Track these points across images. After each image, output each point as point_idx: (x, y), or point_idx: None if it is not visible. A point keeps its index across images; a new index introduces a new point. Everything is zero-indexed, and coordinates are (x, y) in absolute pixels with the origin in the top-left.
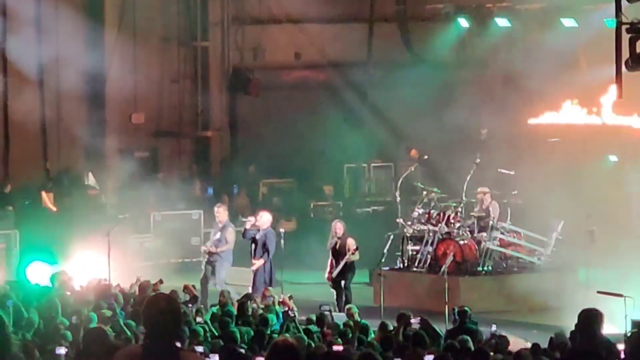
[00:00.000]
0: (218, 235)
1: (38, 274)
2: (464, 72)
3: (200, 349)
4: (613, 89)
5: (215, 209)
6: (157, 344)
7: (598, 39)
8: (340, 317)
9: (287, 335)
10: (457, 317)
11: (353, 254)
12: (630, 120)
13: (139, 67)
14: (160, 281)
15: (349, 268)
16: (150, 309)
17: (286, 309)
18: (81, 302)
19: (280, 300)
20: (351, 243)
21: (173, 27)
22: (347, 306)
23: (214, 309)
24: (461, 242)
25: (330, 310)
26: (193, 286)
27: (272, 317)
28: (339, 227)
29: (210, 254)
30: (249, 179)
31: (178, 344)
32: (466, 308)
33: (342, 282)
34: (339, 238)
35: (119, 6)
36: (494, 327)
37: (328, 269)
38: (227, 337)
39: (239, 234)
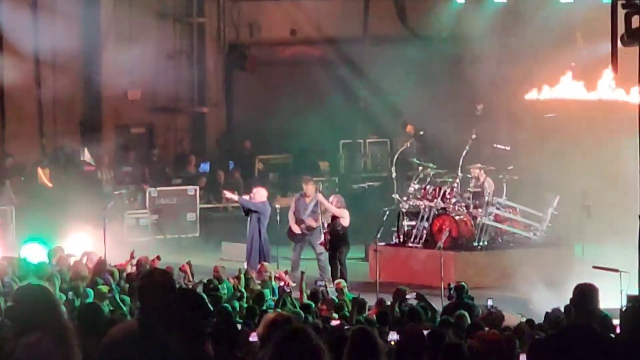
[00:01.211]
0: (311, 209)
1: (34, 250)
2: (460, 47)
3: None
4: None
5: (304, 185)
6: (152, 318)
7: (594, 15)
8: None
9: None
10: (453, 292)
11: (338, 207)
12: (626, 96)
13: (135, 44)
14: (158, 257)
15: (342, 242)
16: (145, 283)
17: (282, 284)
18: (77, 278)
19: (277, 275)
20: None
21: (169, 3)
22: (337, 281)
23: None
24: (457, 218)
25: (325, 286)
26: (188, 263)
27: (267, 292)
28: (331, 199)
29: (308, 228)
30: (245, 155)
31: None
32: (463, 283)
33: (335, 257)
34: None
35: None
36: (489, 302)
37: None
38: (221, 313)
39: None
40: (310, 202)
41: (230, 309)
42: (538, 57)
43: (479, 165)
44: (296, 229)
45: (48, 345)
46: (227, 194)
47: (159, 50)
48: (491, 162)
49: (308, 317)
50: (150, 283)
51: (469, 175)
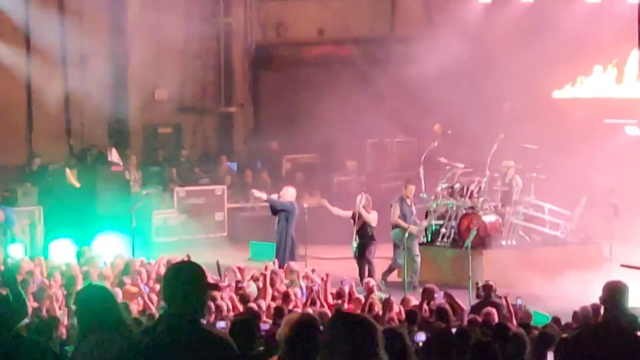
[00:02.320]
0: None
1: (62, 250)
2: (486, 46)
3: (222, 324)
4: (635, 62)
5: (407, 187)
6: (178, 318)
7: (620, 15)
8: (362, 292)
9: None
10: (481, 291)
11: (368, 212)
12: None
13: (162, 44)
14: (188, 257)
15: (370, 241)
16: (173, 276)
17: (310, 283)
18: (105, 278)
19: (305, 274)
20: (370, 214)
21: (196, 4)
22: (366, 280)
23: None
24: (485, 217)
25: (351, 285)
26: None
27: (296, 292)
28: (360, 198)
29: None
30: (272, 155)
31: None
32: (491, 282)
33: (364, 256)
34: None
35: None
36: (518, 301)
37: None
38: (250, 313)
39: None
40: (412, 204)
41: (256, 308)
42: (564, 56)
43: (511, 162)
44: (415, 230)
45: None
46: (256, 193)
47: (186, 50)
48: (519, 161)
49: None
50: (176, 276)
51: (496, 174)
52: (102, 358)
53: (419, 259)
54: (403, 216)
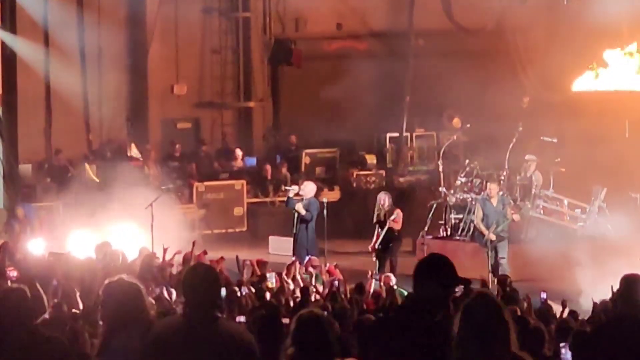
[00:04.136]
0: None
1: (81, 246)
2: (506, 39)
3: (242, 318)
4: None
5: (489, 185)
6: (196, 313)
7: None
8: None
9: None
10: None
11: (395, 222)
12: None
13: (181, 39)
14: (205, 252)
15: (394, 238)
16: (189, 278)
17: (333, 277)
18: (124, 274)
19: (327, 269)
20: (395, 213)
21: None
22: (385, 274)
23: None
24: None
25: (380, 280)
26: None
27: (318, 287)
28: (383, 198)
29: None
30: (291, 149)
31: (218, 314)
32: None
33: (386, 252)
34: (385, 209)
35: None
36: (543, 295)
37: (374, 239)
38: (270, 307)
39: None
40: (498, 204)
41: (276, 302)
42: (584, 49)
43: (533, 156)
44: (492, 237)
45: (137, 341)
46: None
47: (205, 45)
48: (538, 154)
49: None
50: (194, 277)
51: (516, 168)
52: (131, 358)
53: (504, 261)
54: (486, 217)
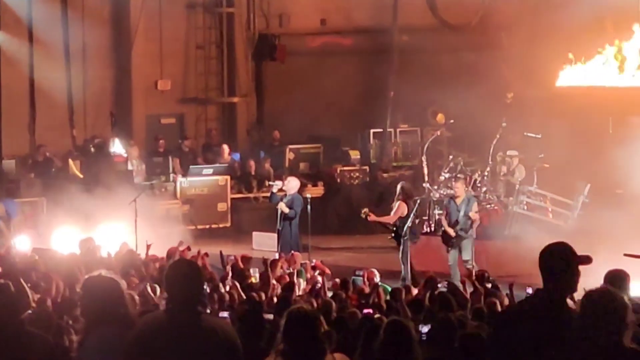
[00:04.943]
0: (464, 210)
1: (65, 241)
2: (490, 35)
3: (225, 314)
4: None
5: (454, 184)
6: (179, 309)
7: (624, 2)
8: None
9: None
10: (475, 280)
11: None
12: None
13: (165, 34)
14: (188, 248)
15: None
16: (172, 273)
17: (316, 273)
18: (108, 269)
19: (314, 264)
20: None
21: None
22: (369, 270)
23: None
24: (488, 207)
25: (363, 276)
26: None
27: (301, 283)
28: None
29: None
30: (275, 145)
31: (201, 309)
32: (483, 271)
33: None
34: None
35: None
36: (529, 290)
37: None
38: (253, 303)
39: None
40: (462, 203)
41: (258, 298)
42: (568, 45)
43: (515, 152)
44: (451, 232)
45: (115, 338)
46: (273, 184)
47: (189, 40)
48: (522, 150)
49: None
50: (177, 273)
51: (502, 163)
52: (109, 355)
53: (469, 265)
54: (449, 215)
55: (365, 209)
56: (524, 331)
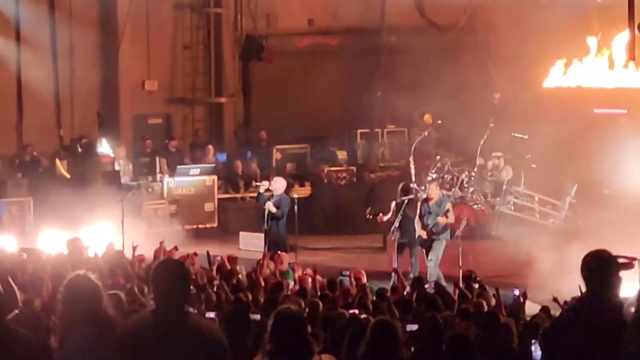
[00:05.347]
0: (435, 211)
1: (52, 241)
2: (477, 36)
3: (212, 314)
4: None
5: (427, 186)
6: (166, 309)
7: (611, 2)
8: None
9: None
10: (462, 281)
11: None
12: None
13: (152, 34)
14: (175, 248)
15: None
16: (159, 273)
17: (302, 273)
18: (94, 269)
19: (295, 263)
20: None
21: None
22: (356, 270)
23: None
24: (475, 207)
25: (350, 276)
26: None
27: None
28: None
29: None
30: (262, 145)
31: (189, 309)
32: (471, 271)
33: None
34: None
35: None
36: (516, 292)
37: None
38: (239, 303)
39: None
40: (434, 204)
41: (245, 298)
42: (556, 45)
43: (499, 153)
44: (423, 234)
45: (94, 340)
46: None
47: (176, 41)
48: (509, 150)
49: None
50: (164, 273)
51: (490, 162)
52: (87, 356)
53: (431, 264)
54: (422, 217)
55: (370, 210)
56: (575, 340)
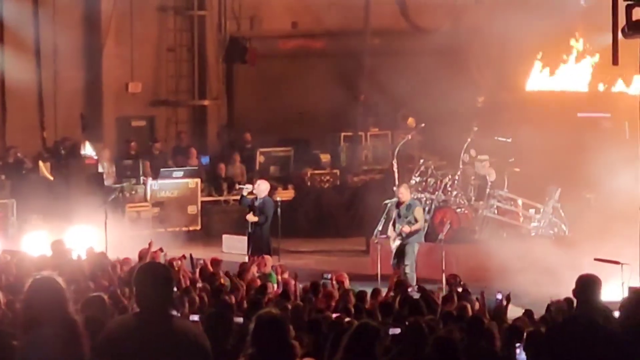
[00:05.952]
0: (404, 215)
1: (35, 243)
2: (461, 39)
3: (195, 317)
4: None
5: (398, 190)
6: (149, 311)
7: (595, 7)
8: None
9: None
10: (446, 284)
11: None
12: (626, 87)
13: (136, 37)
14: (161, 249)
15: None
16: (141, 276)
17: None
18: (78, 271)
19: (281, 268)
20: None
21: None
22: (339, 273)
23: None
24: (458, 210)
25: (331, 279)
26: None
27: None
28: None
29: (408, 235)
30: (245, 148)
31: (173, 312)
32: (455, 275)
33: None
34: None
35: None
36: (498, 296)
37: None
38: (222, 306)
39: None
40: (403, 208)
41: (228, 301)
42: (539, 49)
43: (485, 156)
44: (392, 238)
45: (55, 340)
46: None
47: (160, 43)
48: (492, 154)
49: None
50: (147, 276)
51: (475, 165)
52: (45, 356)
53: (407, 268)
54: (395, 221)
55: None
56: (566, 351)
